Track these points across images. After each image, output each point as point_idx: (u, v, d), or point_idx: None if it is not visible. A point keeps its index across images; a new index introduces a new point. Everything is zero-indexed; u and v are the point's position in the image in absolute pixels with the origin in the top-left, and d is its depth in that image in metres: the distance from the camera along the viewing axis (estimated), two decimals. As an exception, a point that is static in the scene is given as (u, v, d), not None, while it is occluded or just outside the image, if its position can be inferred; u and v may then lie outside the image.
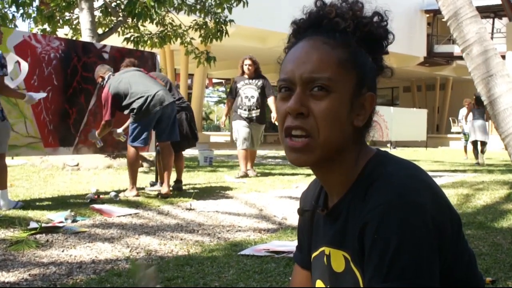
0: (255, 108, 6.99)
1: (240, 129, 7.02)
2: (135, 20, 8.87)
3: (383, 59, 0.98)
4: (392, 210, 0.81)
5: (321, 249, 1.01)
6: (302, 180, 6.59)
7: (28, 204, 4.47)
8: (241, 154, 7.09)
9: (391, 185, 0.85)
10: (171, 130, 5.14)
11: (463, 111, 12.58)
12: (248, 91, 6.99)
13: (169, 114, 5.06)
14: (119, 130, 5.46)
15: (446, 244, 0.85)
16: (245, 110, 6.99)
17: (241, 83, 7.07)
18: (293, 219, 3.97)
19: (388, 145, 17.72)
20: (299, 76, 0.91)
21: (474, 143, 10.98)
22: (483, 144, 10.90)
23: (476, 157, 10.96)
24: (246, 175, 7.01)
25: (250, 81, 7.01)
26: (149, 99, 4.87)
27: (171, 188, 5.24)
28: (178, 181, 5.70)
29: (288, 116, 0.92)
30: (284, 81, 0.94)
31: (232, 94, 7.20)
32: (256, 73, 7.04)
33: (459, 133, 22.82)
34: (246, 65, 7.04)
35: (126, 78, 5.02)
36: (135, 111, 4.91)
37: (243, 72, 7.06)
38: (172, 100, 5.11)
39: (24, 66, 4.90)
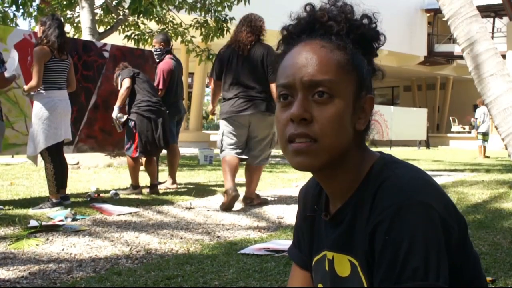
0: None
1: (223, 132, 4.54)
2: (136, 18, 8.88)
3: (374, 61, 0.98)
4: (402, 211, 0.82)
5: (323, 253, 1.00)
6: (302, 179, 6.59)
7: (28, 203, 4.48)
8: (225, 163, 4.45)
9: (400, 186, 0.85)
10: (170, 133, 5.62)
11: (480, 110, 12.78)
12: None
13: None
14: (117, 114, 5.14)
15: (454, 246, 0.85)
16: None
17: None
18: (293, 218, 3.96)
19: (420, 147, 18.14)
20: (300, 80, 0.89)
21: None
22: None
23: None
24: (233, 197, 4.37)
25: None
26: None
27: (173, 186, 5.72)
28: (153, 185, 5.30)
29: (290, 123, 0.89)
30: (284, 86, 0.91)
31: (216, 72, 4.59)
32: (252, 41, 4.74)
33: (459, 132, 22.91)
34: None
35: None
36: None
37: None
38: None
39: (14, 57, 4.59)
